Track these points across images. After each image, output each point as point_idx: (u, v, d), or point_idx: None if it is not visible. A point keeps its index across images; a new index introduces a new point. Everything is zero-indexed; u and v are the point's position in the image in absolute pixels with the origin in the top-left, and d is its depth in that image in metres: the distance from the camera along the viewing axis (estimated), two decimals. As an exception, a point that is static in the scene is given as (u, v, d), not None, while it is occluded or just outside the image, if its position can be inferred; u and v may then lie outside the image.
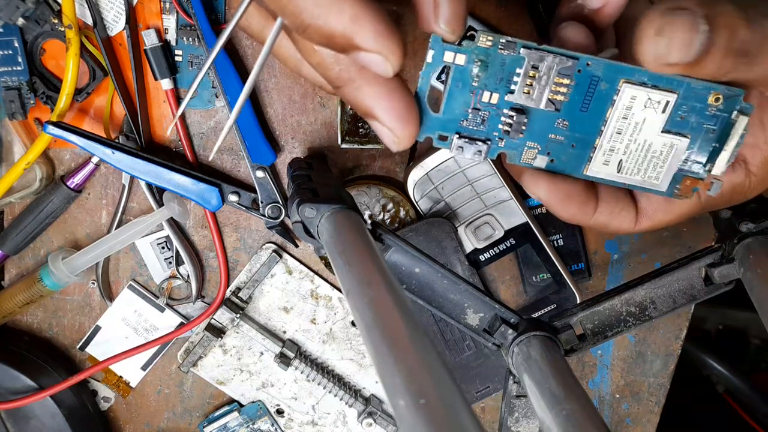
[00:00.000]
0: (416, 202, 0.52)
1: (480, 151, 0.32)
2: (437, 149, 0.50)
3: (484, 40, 0.30)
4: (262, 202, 0.51)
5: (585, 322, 0.42)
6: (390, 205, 0.52)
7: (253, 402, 0.58)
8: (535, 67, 0.30)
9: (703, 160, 0.32)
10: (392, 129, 0.31)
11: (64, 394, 0.54)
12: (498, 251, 0.53)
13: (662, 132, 0.32)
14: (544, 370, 0.37)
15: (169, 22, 0.49)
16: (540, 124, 0.32)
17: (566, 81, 0.31)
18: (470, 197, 0.52)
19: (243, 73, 0.50)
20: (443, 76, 0.31)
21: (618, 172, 0.33)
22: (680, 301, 0.43)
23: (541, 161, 0.33)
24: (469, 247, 0.53)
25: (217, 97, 0.51)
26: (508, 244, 0.53)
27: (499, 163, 0.51)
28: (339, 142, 0.51)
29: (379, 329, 0.27)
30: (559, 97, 0.31)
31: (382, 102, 0.30)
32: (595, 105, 0.31)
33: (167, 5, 0.49)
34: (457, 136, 0.32)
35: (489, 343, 0.41)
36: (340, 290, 0.55)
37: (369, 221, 0.38)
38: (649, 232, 0.39)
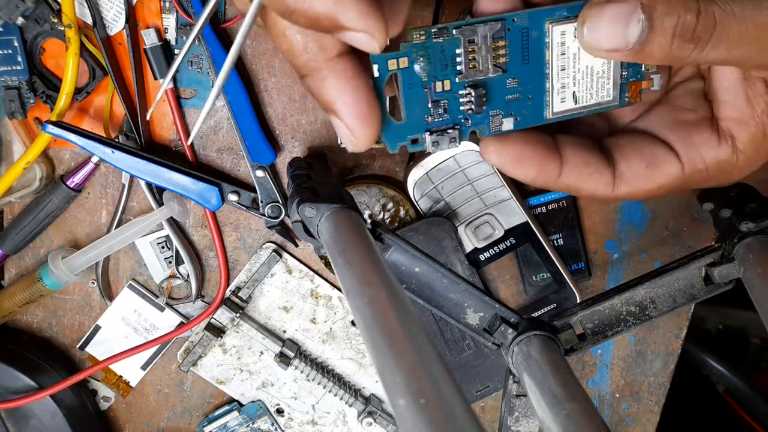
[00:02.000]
0: (416, 202, 0.52)
1: (454, 138, 0.33)
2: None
3: (417, 36, 0.31)
4: (261, 202, 0.51)
5: (585, 321, 0.42)
6: (390, 205, 0.52)
7: (253, 401, 0.58)
8: (471, 41, 0.32)
9: (639, 64, 0.34)
10: (351, 128, 0.31)
11: (63, 393, 0.54)
12: (498, 251, 0.53)
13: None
14: (544, 369, 0.37)
15: (169, 21, 0.49)
16: (495, 91, 0.33)
17: (502, 42, 0.32)
18: (470, 197, 0.52)
19: (243, 73, 0.50)
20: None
21: (576, 103, 0.34)
22: (680, 300, 0.43)
23: (508, 123, 0.34)
24: (469, 247, 0.53)
25: (217, 96, 0.51)
26: (508, 244, 0.53)
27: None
28: (339, 141, 0.51)
29: (378, 329, 0.27)
30: (501, 60, 0.32)
31: (344, 97, 0.30)
32: (533, 54, 0.33)
33: (167, 4, 0.49)
34: (428, 133, 0.33)
35: (489, 343, 0.41)
36: (340, 290, 0.55)
37: (369, 221, 0.38)
38: (629, 199, 0.38)
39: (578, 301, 0.52)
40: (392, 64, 0.31)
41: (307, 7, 0.27)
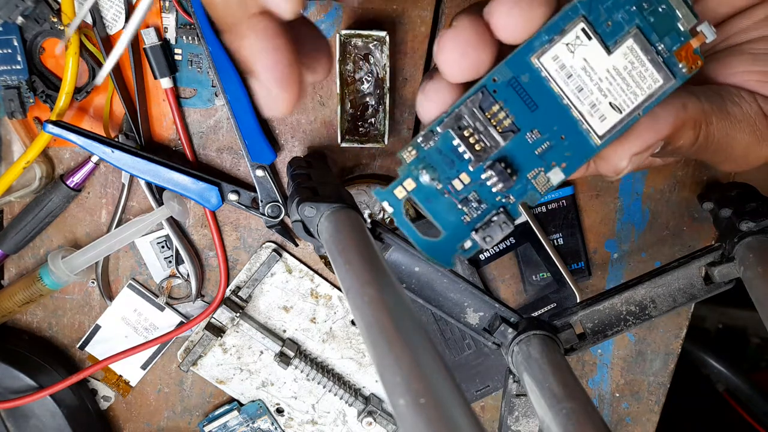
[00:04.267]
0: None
1: (505, 222, 0.31)
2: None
3: (408, 155, 0.30)
4: (261, 201, 0.51)
5: (585, 321, 0.42)
6: (390, 204, 0.52)
7: (253, 401, 0.58)
8: (460, 127, 0.30)
9: (672, 29, 0.29)
10: (270, 90, 0.28)
11: (63, 393, 0.54)
12: (498, 250, 0.53)
13: (609, 52, 0.29)
14: (544, 368, 0.37)
15: (169, 20, 0.49)
16: (519, 154, 0.30)
17: (495, 108, 0.29)
18: (470, 196, 0.52)
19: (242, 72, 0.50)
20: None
21: (621, 112, 0.30)
22: (680, 300, 0.43)
23: (556, 174, 0.31)
24: (468, 246, 0.53)
25: (216, 96, 0.51)
26: (508, 243, 0.53)
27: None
28: (339, 140, 0.51)
29: (378, 328, 0.27)
30: (506, 122, 0.30)
31: (264, 58, 0.28)
32: (538, 97, 0.29)
33: (167, 4, 0.49)
34: (474, 233, 0.31)
35: (489, 342, 0.41)
36: (339, 289, 0.55)
37: (369, 220, 0.38)
38: None
39: (578, 301, 0.52)
40: (400, 192, 0.30)
41: None
